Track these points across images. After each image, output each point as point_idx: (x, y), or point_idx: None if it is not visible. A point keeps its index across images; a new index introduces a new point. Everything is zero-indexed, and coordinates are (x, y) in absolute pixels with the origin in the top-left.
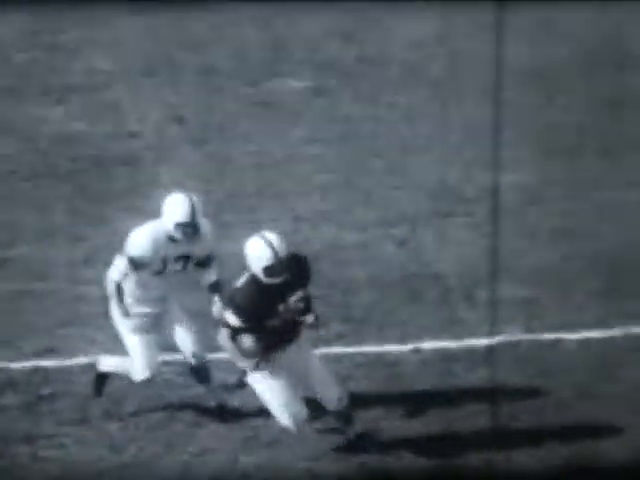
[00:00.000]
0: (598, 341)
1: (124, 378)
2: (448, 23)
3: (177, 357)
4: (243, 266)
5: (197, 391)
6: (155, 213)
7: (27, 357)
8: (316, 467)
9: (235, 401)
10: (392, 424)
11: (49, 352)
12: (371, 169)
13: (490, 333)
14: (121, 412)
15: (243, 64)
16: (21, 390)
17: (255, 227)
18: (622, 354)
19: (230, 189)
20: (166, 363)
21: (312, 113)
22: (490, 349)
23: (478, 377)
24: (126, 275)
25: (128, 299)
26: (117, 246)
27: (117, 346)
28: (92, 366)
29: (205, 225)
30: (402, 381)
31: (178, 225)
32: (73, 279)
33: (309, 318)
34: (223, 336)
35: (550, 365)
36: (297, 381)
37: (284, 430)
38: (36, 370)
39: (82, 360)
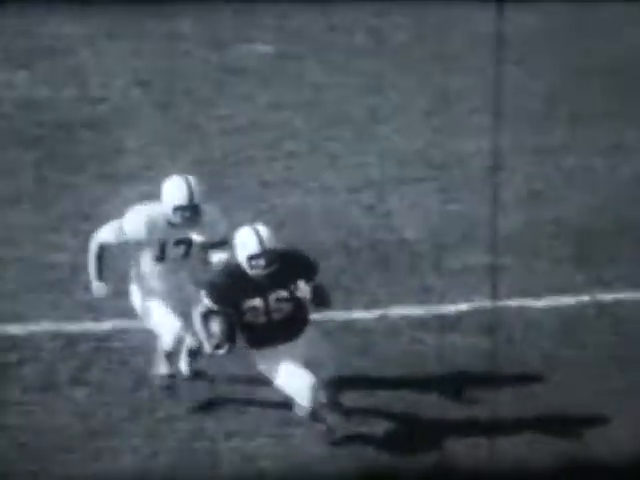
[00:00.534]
0: (565, 308)
1: (90, 343)
2: None
3: (141, 323)
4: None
5: None
6: (121, 178)
7: None
8: (282, 433)
9: (202, 368)
10: (359, 392)
11: (15, 318)
12: (338, 135)
13: (457, 300)
14: (87, 378)
15: (209, 29)
16: None
17: (221, 193)
18: (589, 320)
19: (196, 155)
20: (132, 329)
21: (279, 79)
22: (457, 316)
23: (446, 344)
24: (114, 243)
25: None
26: (84, 212)
27: (83, 313)
28: (59, 332)
29: (210, 210)
30: (370, 348)
31: (176, 209)
32: (40, 245)
33: (304, 290)
34: (196, 314)
35: (517, 332)
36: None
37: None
38: (2, 337)
39: (49, 326)
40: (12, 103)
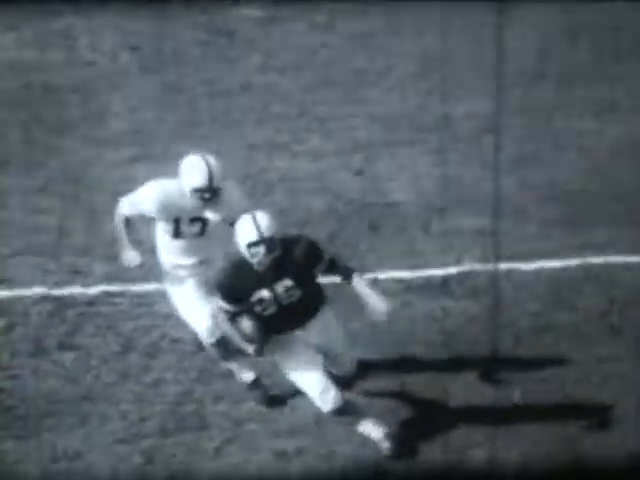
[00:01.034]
0: (555, 271)
1: (78, 307)
2: None
3: (132, 288)
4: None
5: (152, 322)
6: (109, 141)
7: None
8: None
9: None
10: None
11: (3, 282)
12: (326, 98)
13: (446, 263)
14: (75, 343)
15: None
16: None
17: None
18: (579, 284)
19: (183, 118)
20: (120, 294)
21: (267, 42)
22: (447, 279)
23: (435, 307)
24: (130, 216)
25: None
26: (71, 175)
27: (71, 277)
28: (46, 297)
29: (229, 188)
30: (359, 312)
31: (195, 191)
32: (28, 208)
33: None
34: (221, 319)
35: (506, 295)
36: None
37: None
38: None
39: (37, 290)
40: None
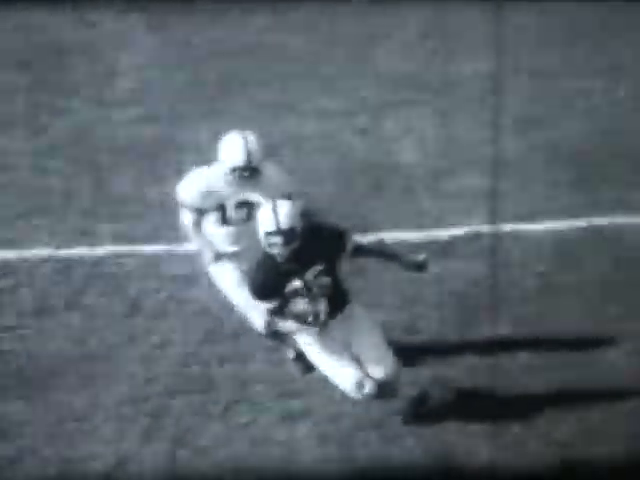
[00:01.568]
0: (562, 231)
1: (84, 268)
2: None
3: (138, 249)
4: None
5: (158, 283)
6: (115, 101)
7: None
8: (277, 358)
9: (195, 294)
10: None
11: (9, 243)
12: (333, 58)
13: (453, 224)
14: (82, 304)
15: None
16: None
17: (214, 116)
18: (586, 244)
19: (190, 77)
20: (127, 255)
21: (274, 1)
22: (453, 240)
23: (442, 269)
24: (197, 220)
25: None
26: (77, 136)
27: (77, 238)
28: (53, 258)
29: (271, 168)
30: (365, 273)
31: (233, 169)
32: (34, 170)
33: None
34: (272, 320)
35: (512, 256)
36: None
37: (247, 321)
38: None
39: (43, 252)
40: (5, 26)
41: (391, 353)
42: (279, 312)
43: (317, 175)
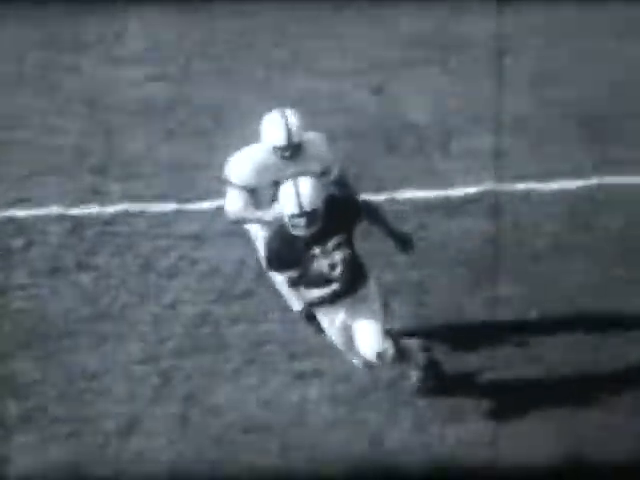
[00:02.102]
0: (572, 191)
1: (96, 227)
2: None
3: (150, 208)
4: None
5: (171, 242)
6: (126, 60)
7: None
8: (289, 318)
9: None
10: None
11: (22, 202)
12: (344, 16)
13: (464, 183)
14: (93, 263)
15: None
16: None
17: (226, 76)
18: (596, 204)
19: (201, 37)
20: (139, 214)
21: None
22: (464, 199)
23: (452, 227)
24: (245, 205)
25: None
26: (89, 95)
27: (89, 196)
28: (65, 216)
29: (314, 139)
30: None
31: (275, 149)
32: (46, 128)
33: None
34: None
35: (524, 216)
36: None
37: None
38: (9, 220)
39: (55, 210)
40: None
41: (387, 340)
42: (299, 282)
43: (329, 135)
